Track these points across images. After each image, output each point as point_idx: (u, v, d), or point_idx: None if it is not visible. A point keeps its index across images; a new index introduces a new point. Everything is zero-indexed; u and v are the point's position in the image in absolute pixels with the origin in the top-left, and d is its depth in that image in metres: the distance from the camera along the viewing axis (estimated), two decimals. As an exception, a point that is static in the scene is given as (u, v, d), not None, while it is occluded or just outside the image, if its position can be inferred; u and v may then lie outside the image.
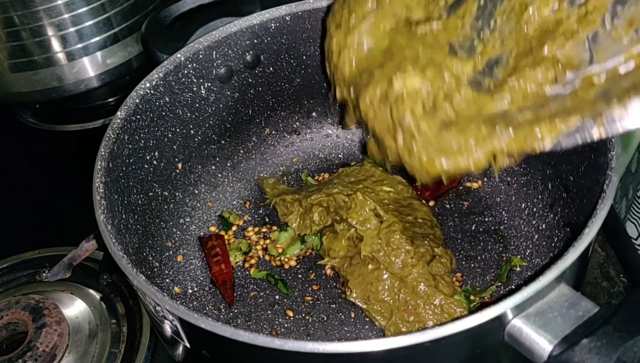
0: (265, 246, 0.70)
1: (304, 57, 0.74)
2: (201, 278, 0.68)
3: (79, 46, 0.88)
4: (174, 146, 0.69)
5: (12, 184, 0.92)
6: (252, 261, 0.69)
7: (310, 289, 0.66)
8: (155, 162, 0.66)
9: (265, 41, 0.72)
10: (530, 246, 0.66)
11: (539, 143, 0.43)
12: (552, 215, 0.65)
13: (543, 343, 0.42)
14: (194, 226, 0.72)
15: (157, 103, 0.66)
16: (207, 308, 0.65)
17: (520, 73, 0.48)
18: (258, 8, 0.71)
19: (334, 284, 0.66)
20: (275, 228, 0.71)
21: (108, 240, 0.51)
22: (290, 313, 0.64)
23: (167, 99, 0.67)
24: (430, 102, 0.50)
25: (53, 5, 0.84)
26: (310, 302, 0.65)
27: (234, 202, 0.75)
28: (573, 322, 0.42)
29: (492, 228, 0.69)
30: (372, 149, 0.58)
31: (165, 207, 0.69)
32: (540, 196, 0.67)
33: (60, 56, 0.88)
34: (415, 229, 0.64)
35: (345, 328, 0.62)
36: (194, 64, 0.68)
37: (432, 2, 0.56)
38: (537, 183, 0.68)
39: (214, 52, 0.69)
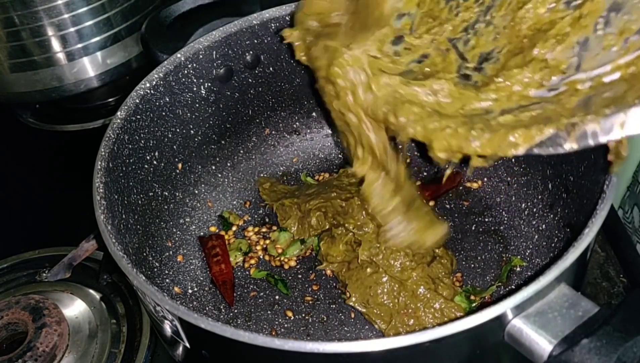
0: (265, 246, 0.70)
1: (304, 57, 0.74)
2: (201, 278, 0.68)
3: (79, 46, 0.88)
4: (174, 146, 0.69)
5: (12, 184, 0.92)
6: (252, 261, 0.69)
7: (310, 289, 0.66)
8: (155, 162, 0.66)
9: (265, 41, 0.72)
10: (530, 247, 0.66)
11: (512, 149, 0.44)
12: (552, 215, 0.65)
13: (543, 344, 0.42)
14: (194, 226, 0.72)
15: (157, 103, 0.66)
16: (207, 308, 0.65)
17: (508, 72, 0.48)
18: (258, 8, 0.71)
19: (334, 284, 0.66)
20: (275, 228, 0.71)
21: (108, 240, 0.51)
22: (290, 314, 0.64)
23: (167, 99, 0.67)
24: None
25: (53, 5, 0.84)
26: (310, 302, 0.65)
27: (234, 202, 0.75)
28: (573, 322, 0.42)
29: (492, 228, 0.69)
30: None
31: (165, 207, 0.69)
32: (540, 197, 0.67)
33: (60, 56, 0.88)
34: None
35: (345, 328, 0.62)
36: (194, 64, 0.68)
37: None
38: (537, 183, 0.68)
39: (214, 52, 0.69)
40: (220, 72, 0.71)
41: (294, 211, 0.69)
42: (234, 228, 0.72)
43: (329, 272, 0.67)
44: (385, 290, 0.61)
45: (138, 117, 0.63)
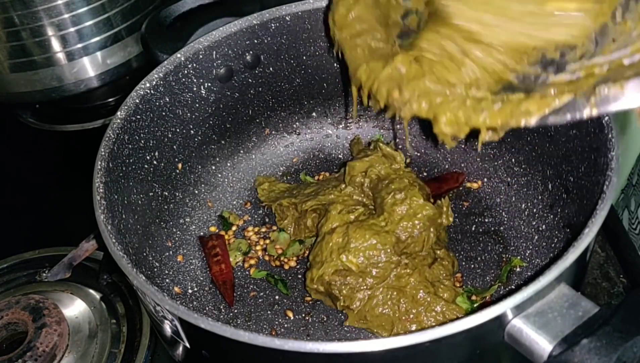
0: (265, 246, 0.70)
1: (304, 57, 0.74)
2: (201, 278, 0.68)
3: (79, 45, 0.88)
4: (174, 146, 0.69)
5: (12, 184, 0.92)
6: (252, 261, 0.69)
7: (310, 289, 0.66)
8: (155, 162, 0.66)
9: (265, 41, 0.72)
10: (530, 247, 0.66)
11: (525, 117, 0.42)
12: (552, 216, 0.65)
13: (543, 344, 0.42)
14: (194, 226, 0.72)
15: (157, 103, 0.66)
16: (207, 308, 0.65)
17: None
18: (258, 8, 0.71)
19: (334, 284, 0.66)
20: (274, 228, 0.71)
21: (108, 240, 0.51)
22: (290, 314, 0.64)
23: (167, 99, 0.67)
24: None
25: (53, 5, 0.84)
26: (310, 302, 0.65)
27: (234, 202, 0.75)
28: (573, 322, 0.42)
29: (492, 228, 0.69)
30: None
31: (165, 207, 0.69)
32: (540, 197, 0.67)
33: (60, 56, 0.88)
34: None
35: (345, 328, 0.62)
36: (194, 64, 0.68)
37: None
38: (537, 183, 0.68)
39: (214, 52, 0.69)
40: (220, 72, 0.71)
41: (291, 212, 0.69)
42: (234, 228, 0.72)
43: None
44: (382, 300, 0.60)
45: (138, 117, 0.63)
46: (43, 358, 0.62)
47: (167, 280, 0.66)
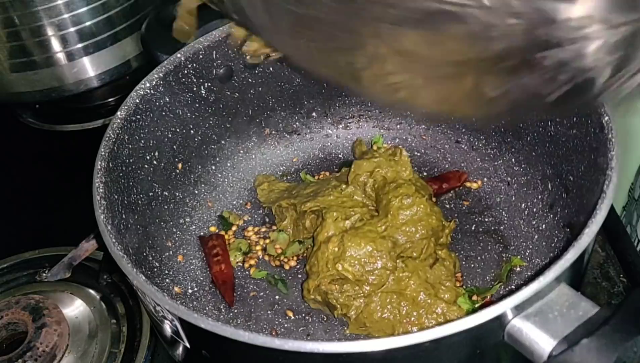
0: (264, 246, 0.70)
1: (304, 57, 0.74)
2: (201, 278, 0.68)
3: (79, 45, 0.88)
4: (174, 146, 0.69)
5: (12, 184, 0.92)
6: (252, 261, 0.69)
7: (310, 289, 0.66)
8: (155, 162, 0.66)
9: (265, 41, 0.72)
10: (530, 247, 0.66)
11: None
12: (552, 215, 0.65)
13: (543, 343, 0.42)
14: (194, 226, 0.72)
15: (157, 103, 0.66)
16: (207, 308, 0.65)
17: None
18: (258, 8, 0.71)
19: (334, 284, 0.66)
20: (274, 228, 0.71)
21: (108, 240, 0.51)
22: (290, 313, 0.64)
23: (167, 99, 0.67)
24: None
25: (53, 5, 0.84)
26: (310, 302, 0.65)
27: (234, 202, 0.75)
28: (573, 322, 0.42)
29: (492, 228, 0.69)
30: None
31: (165, 207, 0.69)
32: (540, 197, 0.67)
33: (60, 56, 0.88)
34: None
35: (345, 328, 0.62)
36: (194, 64, 0.68)
37: None
38: (537, 183, 0.68)
39: (214, 52, 0.69)
40: (220, 72, 0.71)
41: (290, 213, 0.69)
42: (234, 228, 0.72)
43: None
44: (380, 305, 0.59)
45: (138, 117, 0.63)
46: (43, 358, 0.62)
47: (167, 280, 0.66)
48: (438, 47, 0.34)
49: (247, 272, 0.68)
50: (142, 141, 0.64)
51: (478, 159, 0.75)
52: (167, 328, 0.50)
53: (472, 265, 0.66)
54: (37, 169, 0.94)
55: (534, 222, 0.67)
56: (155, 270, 0.65)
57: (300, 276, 0.67)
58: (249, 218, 0.73)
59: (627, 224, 0.81)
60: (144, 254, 0.63)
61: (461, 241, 0.68)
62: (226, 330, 0.43)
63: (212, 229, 0.72)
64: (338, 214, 0.64)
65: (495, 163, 0.73)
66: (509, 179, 0.71)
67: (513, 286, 0.63)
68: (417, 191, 0.64)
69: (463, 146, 0.76)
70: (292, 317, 0.63)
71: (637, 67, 0.30)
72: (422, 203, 0.62)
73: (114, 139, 0.60)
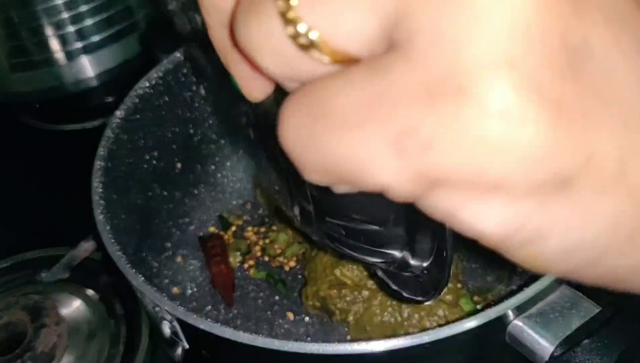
0: (264, 246, 0.70)
1: (304, 57, 0.74)
2: (200, 279, 0.68)
3: (79, 45, 0.88)
4: (174, 146, 0.69)
5: (12, 184, 0.92)
6: (252, 261, 0.69)
7: (310, 289, 0.66)
8: (154, 162, 0.66)
9: (265, 40, 0.71)
10: (531, 247, 0.66)
11: None
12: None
13: (544, 344, 0.41)
14: (193, 226, 0.72)
15: (157, 103, 0.65)
16: (206, 309, 0.65)
17: None
18: (258, 7, 0.71)
19: (334, 284, 0.66)
20: (274, 228, 0.71)
21: (107, 240, 0.51)
22: (290, 314, 0.63)
23: (167, 99, 0.66)
24: None
25: (53, 4, 0.84)
26: (310, 303, 0.64)
27: (234, 202, 0.75)
28: (574, 322, 0.42)
29: (493, 228, 0.68)
30: None
31: (165, 207, 0.68)
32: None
33: (60, 56, 0.88)
34: None
35: (346, 328, 0.62)
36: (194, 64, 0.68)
37: None
38: (538, 183, 0.68)
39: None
40: (220, 72, 0.71)
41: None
42: (233, 228, 0.72)
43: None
44: (380, 309, 0.59)
45: (137, 116, 0.63)
46: (42, 359, 0.62)
47: (166, 281, 0.66)
48: None
49: (246, 272, 0.68)
50: (141, 141, 0.64)
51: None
52: (166, 329, 0.50)
53: (473, 265, 0.65)
54: (37, 169, 0.94)
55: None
56: (155, 270, 0.65)
57: (300, 276, 0.67)
58: (249, 218, 0.73)
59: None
60: (143, 254, 0.63)
61: (461, 241, 0.67)
62: (225, 331, 0.43)
63: (212, 229, 0.72)
64: None
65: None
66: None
67: (514, 287, 0.63)
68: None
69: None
70: (292, 318, 0.63)
71: None
72: None
73: (112, 139, 0.60)
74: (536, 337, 0.42)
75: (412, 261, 0.38)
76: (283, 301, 0.65)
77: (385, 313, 0.59)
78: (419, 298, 0.41)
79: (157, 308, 0.48)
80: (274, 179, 0.42)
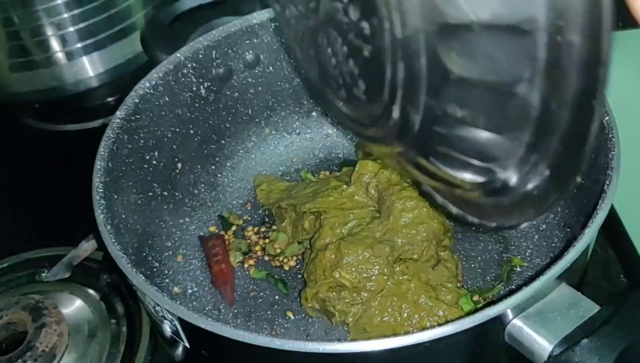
0: (264, 246, 0.70)
1: (304, 57, 0.74)
2: (201, 278, 0.68)
3: (79, 45, 0.88)
4: (174, 146, 0.69)
5: (12, 184, 0.92)
6: (252, 261, 0.69)
7: (310, 289, 0.66)
8: (155, 162, 0.66)
9: (265, 41, 0.71)
10: (531, 247, 0.66)
11: None
12: (552, 215, 0.65)
13: (543, 343, 0.42)
14: (193, 226, 0.72)
15: (157, 103, 0.66)
16: (207, 308, 0.65)
17: None
18: (258, 8, 0.71)
19: (334, 284, 0.66)
20: (274, 228, 0.71)
21: (108, 240, 0.51)
22: (290, 314, 0.64)
23: (167, 99, 0.66)
24: None
25: (53, 4, 0.84)
26: (310, 302, 0.64)
27: (234, 202, 0.75)
28: (573, 321, 0.42)
29: (492, 228, 0.69)
30: None
31: (165, 207, 0.69)
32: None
33: (60, 56, 0.88)
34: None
35: (346, 328, 0.62)
36: (194, 64, 0.68)
37: None
38: (537, 182, 0.68)
39: (214, 52, 0.69)
40: (220, 72, 0.71)
41: (289, 213, 0.69)
42: (233, 228, 0.72)
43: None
44: (380, 309, 0.59)
45: (137, 117, 0.63)
46: (43, 358, 0.62)
47: (167, 280, 0.66)
48: None
49: (247, 272, 0.68)
50: (142, 141, 0.64)
51: (478, 159, 0.74)
52: (167, 328, 0.50)
53: (473, 265, 0.66)
54: (37, 169, 0.94)
55: (534, 222, 0.67)
56: (155, 270, 0.65)
57: (300, 276, 0.67)
58: (249, 218, 0.73)
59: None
60: (144, 254, 0.63)
61: (461, 242, 0.68)
62: (226, 330, 0.43)
63: (212, 229, 0.72)
64: (336, 220, 0.64)
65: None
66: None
67: (513, 286, 0.63)
68: (420, 196, 0.64)
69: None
70: (292, 317, 0.63)
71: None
72: (424, 206, 0.62)
73: (113, 139, 0.60)
74: (535, 336, 0.42)
75: (516, 181, 0.30)
76: (283, 300, 0.65)
77: (385, 314, 0.59)
78: (495, 224, 0.33)
79: (157, 308, 0.48)
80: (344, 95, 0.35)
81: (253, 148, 0.78)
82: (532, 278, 0.43)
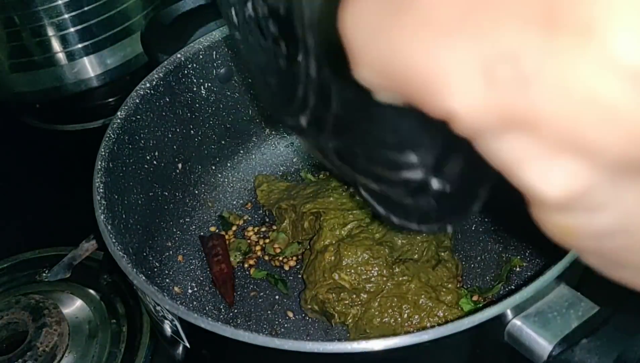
0: (264, 246, 0.70)
1: (304, 57, 0.74)
2: (201, 278, 0.68)
3: (79, 45, 0.88)
4: (174, 146, 0.69)
5: (12, 184, 0.92)
6: (252, 261, 0.69)
7: (310, 289, 0.66)
8: (155, 162, 0.66)
9: (266, 41, 0.71)
10: (530, 247, 0.66)
11: None
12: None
13: (543, 343, 0.42)
14: (194, 226, 0.72)
15: (157, 103, 0.66)
16: (207, 308, 0.65)
17: None
18: (258, 8, 0.71)
19: (334, 284, 0.66)
20: (275, 228, 0.71)
21: (108, 240, 0.51)
22: (290, 314, 0.64)
23: (167, 99, 0.67)
24: None
25: (53, 5, 0.84)
26: (310, 302, 0.64)
27: (234, 202, 0.75)
28: (573, 321, 0.42)
29: (492, 228, 0.69)
30: None
31: (165, 207, 0.69)
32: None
33: (61, 56, 0.88)
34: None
35: (346, 328, 0.62)
36: (194, 64, 0.68)
37: None
38: (537, 183, 0.68)
39: (214, 52, 0.69)
40: (220, 72, 0.71)
41: (289, 214, 0.69)
42: (234, 228, 0.72)
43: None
44: (379, 310, 0.59)
45: (138, 117, 0.63)
46: (43, 358, 0.62)
47: (167, 280, 0.66)
48: None
49: (247, 272, 0.68)
50: (142, 141, 0.64)
51: (478, 159, 0.74)
52: (167, 328, 0.50)
53: (472, 265, 0.66)
54: (37, 169, 0.94)
55: (534, 222, 0.67)
56: (155, 270, 0.65)
57: (300, 276, 0.67)
58: (249, 218, 0.73)
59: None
60: (144, 254, 0.63)
61: (461, 241, 0.68)
62: (226, 330, 0.43)
63: (212, 229, 0.72)
64: (335, 221, 0.64)
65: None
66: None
67: (513, 286, 0.63)
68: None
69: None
70: (292, 317, 0.63)
71: None
72: None
73: (114, 139, 0.60)
74: (535, 336, 0.42)
75: (435, 184, 0.31)
76: (283, 300, 0.65)
77: (385, 315, 0.59)
78: (416, 226, 0.34)
79: (158, 308, 0.48)
80: (271, 80, 0.35)
81: (253, 148, 0.78)
82: (532, 278, 0.43)
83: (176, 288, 0.66)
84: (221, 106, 0.73)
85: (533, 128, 0.15)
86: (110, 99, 1.01)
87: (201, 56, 0.68)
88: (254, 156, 0.78)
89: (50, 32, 0.86)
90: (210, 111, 0.72)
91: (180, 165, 0.70)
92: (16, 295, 0.70)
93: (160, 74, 0.65)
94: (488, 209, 0.71)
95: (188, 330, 0.47)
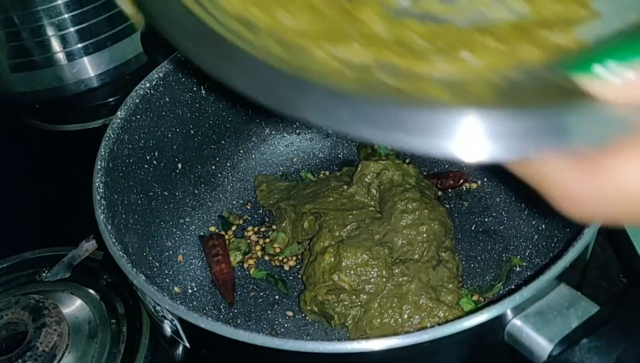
0: (264, 246, 0.70)
1: (304, 57, 0.74)
2: (201, 278, 0.68)
3: (79, 45, 0.88)
4: (174, 146, 0.69)
5: (12, 184, 0.92)
6: (252, 261, 0.69)
7: (310, 289, 0.66)
8: (155, 162, 0.66)
9: (266, 41, 0.71)
10: (530, 246, 0.66)
11: None
12: (552, 215, 0.65)
13: (543, 343, 0.42)
14: (193, 226, 0.72)
15: (157, 103, 0.66)
16: (207, 308, 0.65)
17: None
18: (258, 8, 0.71)
19: (334, 284, 0.66)
20: (275, 227, 0.71)
21: (108, 240, 0.52)
22: (290, 313, 0.64)
23: (167, 99, 0.67)
24: None
25: (53, 5, 0.84)
26: (310, 302, 0.64)
27: (234, 202, 0.75)
28: (573, 321, 0.42)
29: (492, 228, 0.69)
30: None
31: (165, 207, 0.69)
32: (540, 196, 0.67)
33: (61, 56, 0.89)
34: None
35: (345, 329, 0.62)
36: (194, 64, 0.68)
37: None
38: (537, 183, 0.68)
39: (214, 52, 0.69)
40: (220, 72, 0.71)
41: (289, 214, 0.69)
42: (233, 228, 0.72)
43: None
44: (379, 311, 0.59)
45: (138, 117, 0.63)
46: (43, 358, 0.62)
47: (167, 280, 0.66)
48: None
49: (247, 272, 0.68)
50: (142, 141, 0.64)
51: (478, 159, 0.74)
52: (167, 328, 0.50)
53: (472, 265, 0.66)
54: (37, 169, 0.94)
55: (534, 222, 0.67)
56: (155, 269, 0.65)
57: (300, 276, 0.67)
58: (249, 218, 0.73)
59: (627, 224, 0.81)
60: (144, 254, 0.63)
61: (461, 241, 0.68)
62: (226, 330, 0.43)
63: (212, 229, 0.72)
64: (335, 222, 0.64)
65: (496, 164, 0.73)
66: (509, 178, 0.71)
67: (513, 286, 0.63)
68: (422, 197, 0.64)
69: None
70: (292, 317, 0.63)
71: None
72: (426, 208, 0.63)
73: (114, 139, 0.60)
74: (535, 336, 0.42)
75: None
76: (283, 300, 0.65)
77: (386, 315, 0.59)
78: None
79: (158, 308, 0.48)
80: None
81: (253, 148, 0.78)
82: (532, 278, 0.43)
83: (176, 288, 0.66)
84: (221, 105, 0.73)
85: None
86: (110, 99, 1.01)
87: (201, 56, 0.68)
88: (253, 156, 0.78)
89: (50, 32, 0.86)
90: (210, 110, 0.72)
91: (180, 165, 0.70)
92: (16, 295, 0.70)
93: (160, 74, 0.65)
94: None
95: (188, 330, 0.47)
